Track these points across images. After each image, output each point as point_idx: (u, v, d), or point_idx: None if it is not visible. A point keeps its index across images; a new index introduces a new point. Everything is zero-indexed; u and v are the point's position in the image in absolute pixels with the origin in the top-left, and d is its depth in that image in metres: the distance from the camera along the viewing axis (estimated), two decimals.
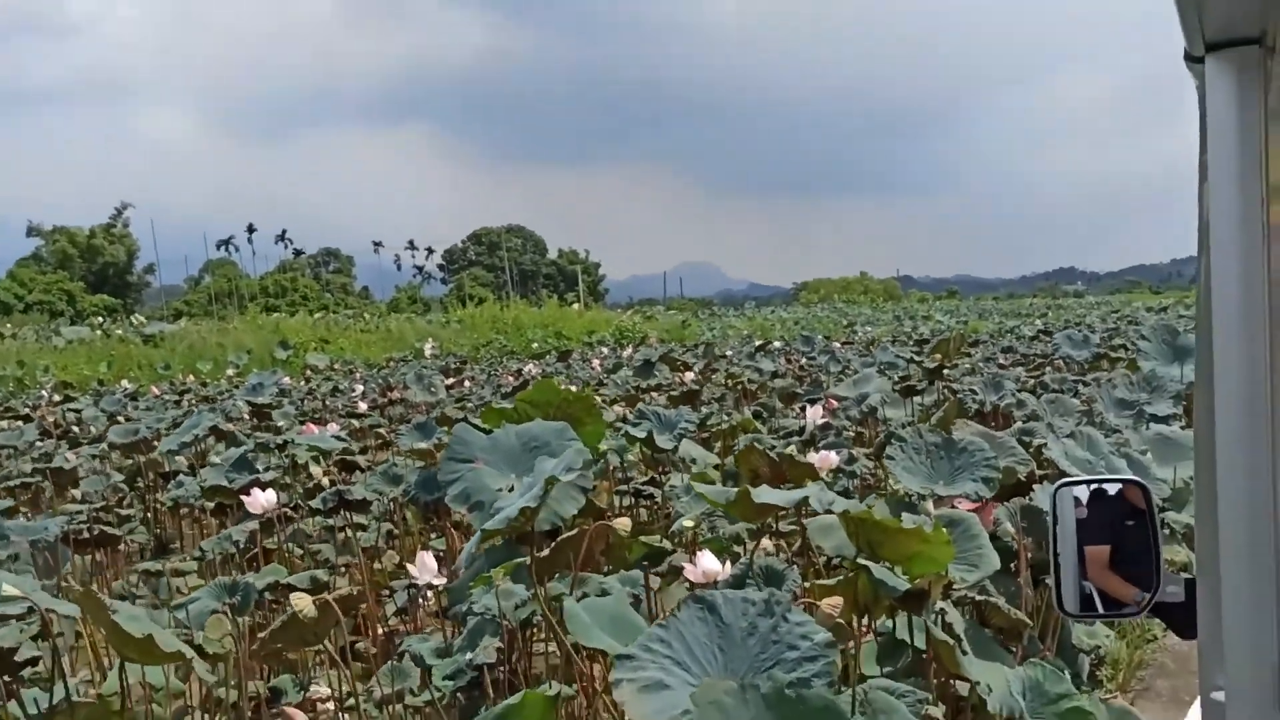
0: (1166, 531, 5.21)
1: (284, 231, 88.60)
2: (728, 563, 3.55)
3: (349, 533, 5.80)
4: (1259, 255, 1.03)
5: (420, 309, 51.92)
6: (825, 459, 5.61)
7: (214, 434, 9.28)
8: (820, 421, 8.06)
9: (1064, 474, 4.63)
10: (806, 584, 3.62)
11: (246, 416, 12.12)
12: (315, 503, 5.58)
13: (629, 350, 23.60)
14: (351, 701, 4.36)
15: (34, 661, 3.72)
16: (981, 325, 31.15)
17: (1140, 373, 8.30)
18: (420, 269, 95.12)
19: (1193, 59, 1.07)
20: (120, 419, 12.47)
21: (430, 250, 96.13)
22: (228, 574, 5.69)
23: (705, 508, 4.52)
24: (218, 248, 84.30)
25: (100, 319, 39.26)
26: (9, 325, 38.52)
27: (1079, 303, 56.25)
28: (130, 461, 9.02)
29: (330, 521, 5.85)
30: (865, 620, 3.75)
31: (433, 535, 6.42)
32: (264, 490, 5.22)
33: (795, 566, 3.92)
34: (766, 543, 3.87)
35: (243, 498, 5.17)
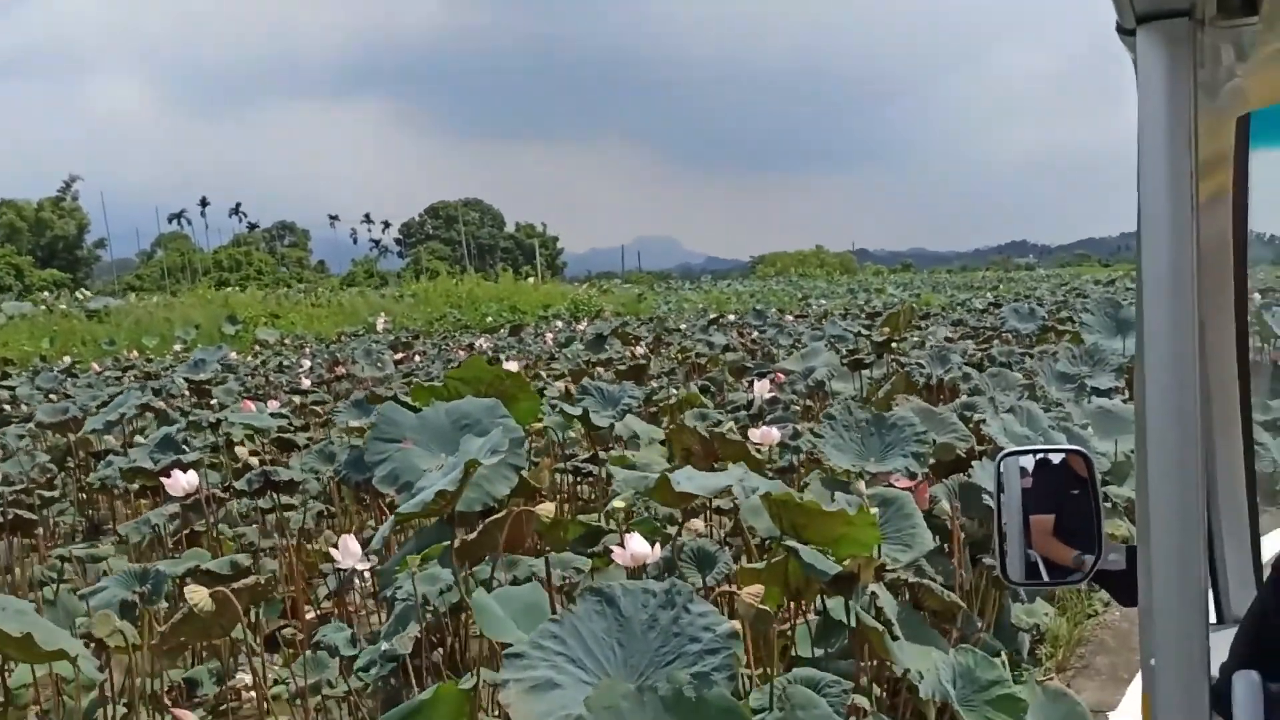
0: (1109, 505, 5.19)
1: (238, 205, 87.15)
2: (658, 545, 3.44)
3: (280, 515, 5.61)
4: (1188, 228, 1.01)
5: (377, 283, 51.21)
6: (767, 434, 5.51)
7: (152, 412, 9.03)
8: (768, 396, 7.98)
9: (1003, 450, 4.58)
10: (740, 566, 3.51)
11: (187, 394, 11.83)
12: (241, 484, 5.37)
13: (584, 324, 23.43)
14: (275, 690, 4.22)
15: None
16: (934, 298, 31.31)
17: (1083, 346, 8.30)
18: (377, 243, 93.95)
19: (1124, 31, 1.06)
20: (53, 397, 12.11)
21: (387, 224, 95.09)
22: (157, 558, 5.50)
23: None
24: (169, 221, 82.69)
25: (47, 294, 38.27)
26: None
27: (1030, 276, 56.86)
28: (63, 441, 8.73)
29: (259, 504, 5.66)
30: (800, 603, 3.66)
31: (366, 516, 6.25)
32: (185, 472, 5.02)
33: (728, 548, 3.82)
34: (698, 523, 3.75)
35: (162, 480, 4.97)
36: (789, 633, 3.70)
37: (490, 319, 30.62)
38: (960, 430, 4.69)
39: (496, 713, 3.01)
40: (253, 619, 4.58)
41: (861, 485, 3.48)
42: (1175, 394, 1.01)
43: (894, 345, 11.45)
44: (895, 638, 2.90)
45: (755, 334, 16.85)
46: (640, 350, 13.51)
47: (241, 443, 6.37)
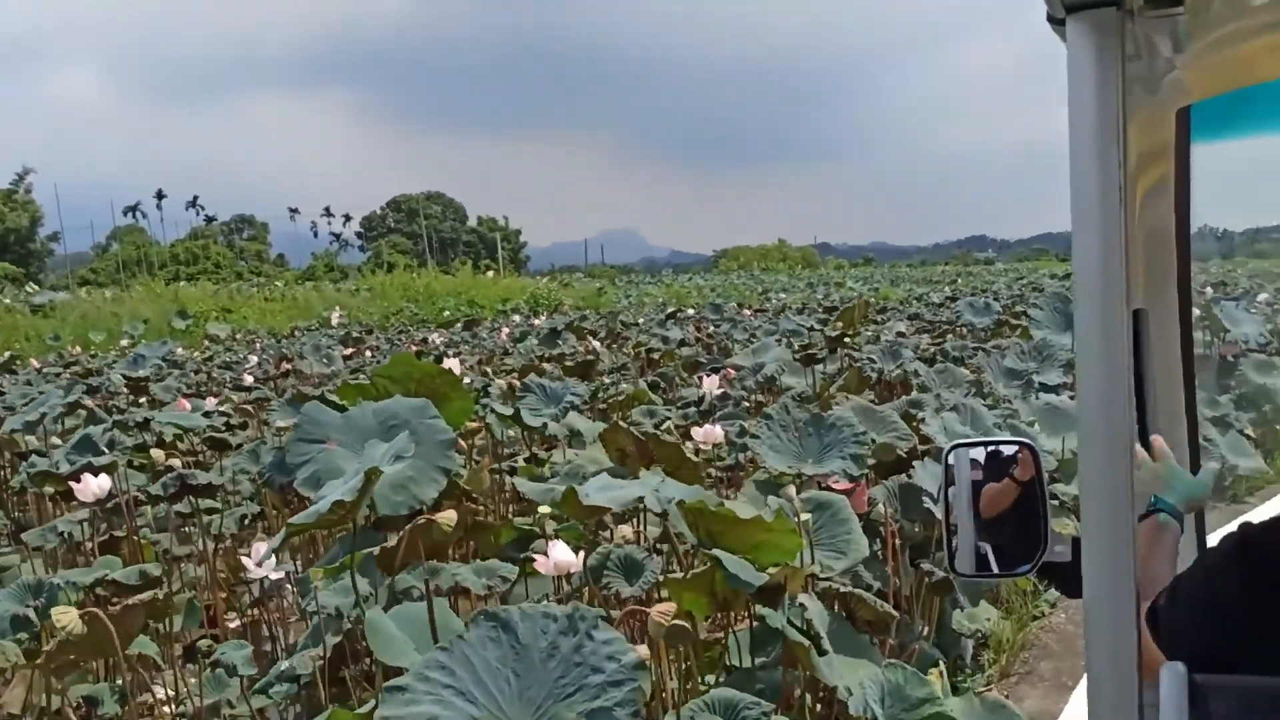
0: (1055, 503, 5.09)
1: (195, 198, 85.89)
2: (581, 553, 3.27)
3: (200, 519, 5.37)
4: (1117, 219, 1.01)
5: (337, 277, 50.56)
6: (710, 433, 5.36)
7: (84, 410, 8.70)
8: (718, 391, 7.83)
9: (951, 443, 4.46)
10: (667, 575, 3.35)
11: (125, 391, 11.47)
12: (155, 489, 5.12)
13: (542, 319, 23.19)
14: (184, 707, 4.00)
15: None
16: (893, 292, 31.37)
17: (1032, 341, 8.22)
18: (338, 236, 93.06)
19: (1055, 21, 1.06)
20: None
21: (348, 217, 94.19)
22: (75, 565, 5.24)
23: None
24: (125, 214, 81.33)
25: None
26: None
27: (989, 270, 57.24)
28: None
29: (178, 508, 5.41)
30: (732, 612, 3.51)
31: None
32: (96, 475, 4.78)
33: (659, 555, 3.65)
34: (626, 530, 3.58)
35: (71, 484, 4.73)
36: (724, 640, 3.54)
37: (448, 313, 30.24)
38: (902, 429, 4.56)
39: None
40: (166, 629, 4.37)
41: (791, 490, 3.31)
42: (1106, 385, 1.02)
43: (847, 340, 11.35)
44: (823, 652, 2.75)
45: (712, 328, 16.72)
46: (594, 345, 13.32)
47: (160, 444, 6.10)
